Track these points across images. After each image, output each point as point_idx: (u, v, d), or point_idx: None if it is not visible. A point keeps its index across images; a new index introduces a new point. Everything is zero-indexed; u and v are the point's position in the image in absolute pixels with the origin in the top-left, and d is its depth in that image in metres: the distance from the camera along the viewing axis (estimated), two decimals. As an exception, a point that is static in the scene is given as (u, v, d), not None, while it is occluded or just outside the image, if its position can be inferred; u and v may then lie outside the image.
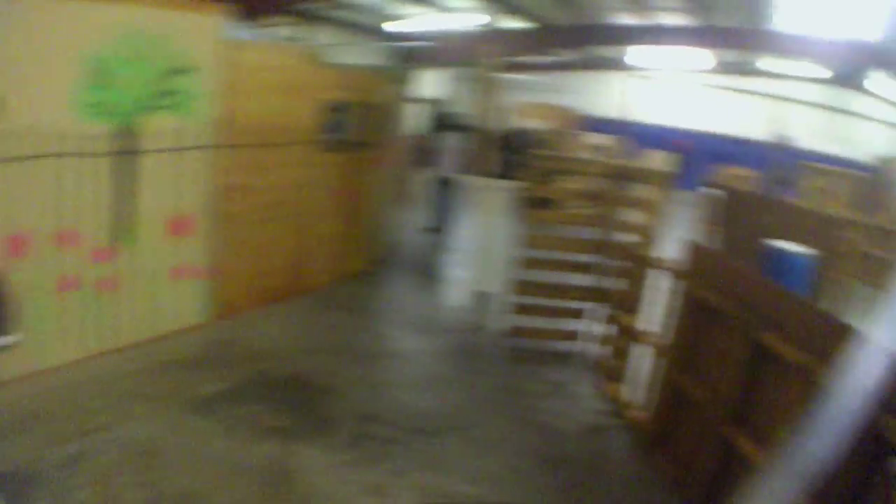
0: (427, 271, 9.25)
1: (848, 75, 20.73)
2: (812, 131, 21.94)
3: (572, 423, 5.53)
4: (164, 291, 5.74)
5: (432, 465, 4.49)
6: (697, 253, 5.18)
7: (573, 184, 8.71)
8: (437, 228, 11.01)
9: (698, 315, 4.93)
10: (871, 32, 14.14)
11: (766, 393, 4.16)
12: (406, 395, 5.53)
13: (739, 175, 17.51)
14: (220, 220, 6.05)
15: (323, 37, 19.89)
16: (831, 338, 3.66)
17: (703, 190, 12.00)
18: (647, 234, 6.45)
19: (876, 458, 3.22)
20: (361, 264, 8.41)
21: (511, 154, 9.58)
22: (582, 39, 17.42)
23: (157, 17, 5.11)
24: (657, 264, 5.87)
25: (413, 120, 12.56)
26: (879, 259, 13.17)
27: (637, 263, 6.13)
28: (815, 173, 16.82)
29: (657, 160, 16.03)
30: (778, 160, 18.98)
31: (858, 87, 21.50)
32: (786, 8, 14.30)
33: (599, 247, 6.69)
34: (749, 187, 15.81)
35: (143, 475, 3.90)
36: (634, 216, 6.73)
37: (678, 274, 5.28)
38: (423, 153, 12.77)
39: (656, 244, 6.48)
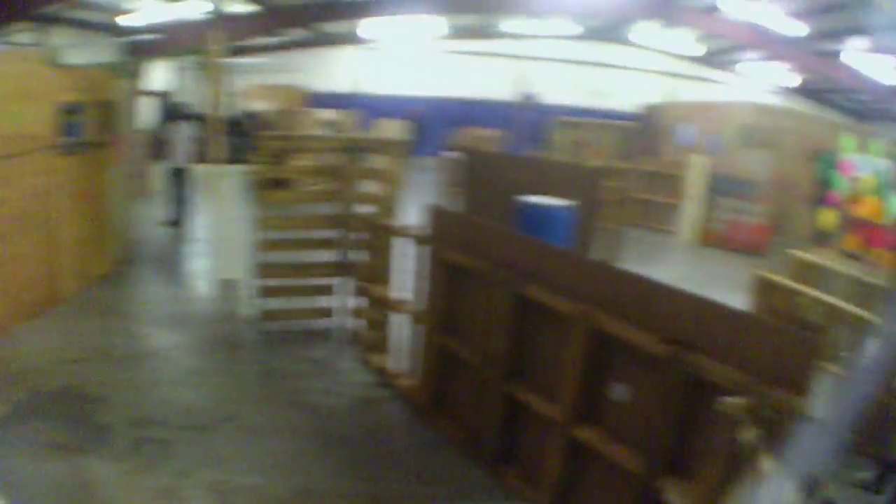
0: (172, 265, 8.95)
1: (610, 29, 22.03)
2: (568, 87, 23.29)
3: (343, 400, 5.48)
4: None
5: (214, 461, 4.44)
6: (441, 217, 5.10)
7: (305, 161, 8.36)
8: (176, 221, 10.50)
9: (452, 278, 4.86)
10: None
11: (539, 344, 4.19)
12: (174, 392, 5.46)
13: (482, 136, 17.76)
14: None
15: (59, 38, 17.94)
16: (597, 282, 3.73)
17: (443, 154, 12.11)
18: (386, 203, 6.38)
19: (696, 399, 3.21)
20: (109, 265, 8.25)
21: (240, 138, 9.15)
22: (309, 17, 16.86)
23: None
24: (400, 232, 5.75)
25: (146, 113, 12.11)
26: (652, 203, 14.29)
27: (379, 234, 5.97)
28: (570, 127, 17.74)
29: (391, 130, 15.85)
30: (526, 118, 19.82)
31: (621, 40, 23.04)
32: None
33: (340, 221, 6.49)
34: (492, 147, 16.21)
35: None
36: (372, 187, 6.64)
37: (422, 240, 5.17)
38: (156, 146, 11.96)
39: (398, 212, 6.44)
